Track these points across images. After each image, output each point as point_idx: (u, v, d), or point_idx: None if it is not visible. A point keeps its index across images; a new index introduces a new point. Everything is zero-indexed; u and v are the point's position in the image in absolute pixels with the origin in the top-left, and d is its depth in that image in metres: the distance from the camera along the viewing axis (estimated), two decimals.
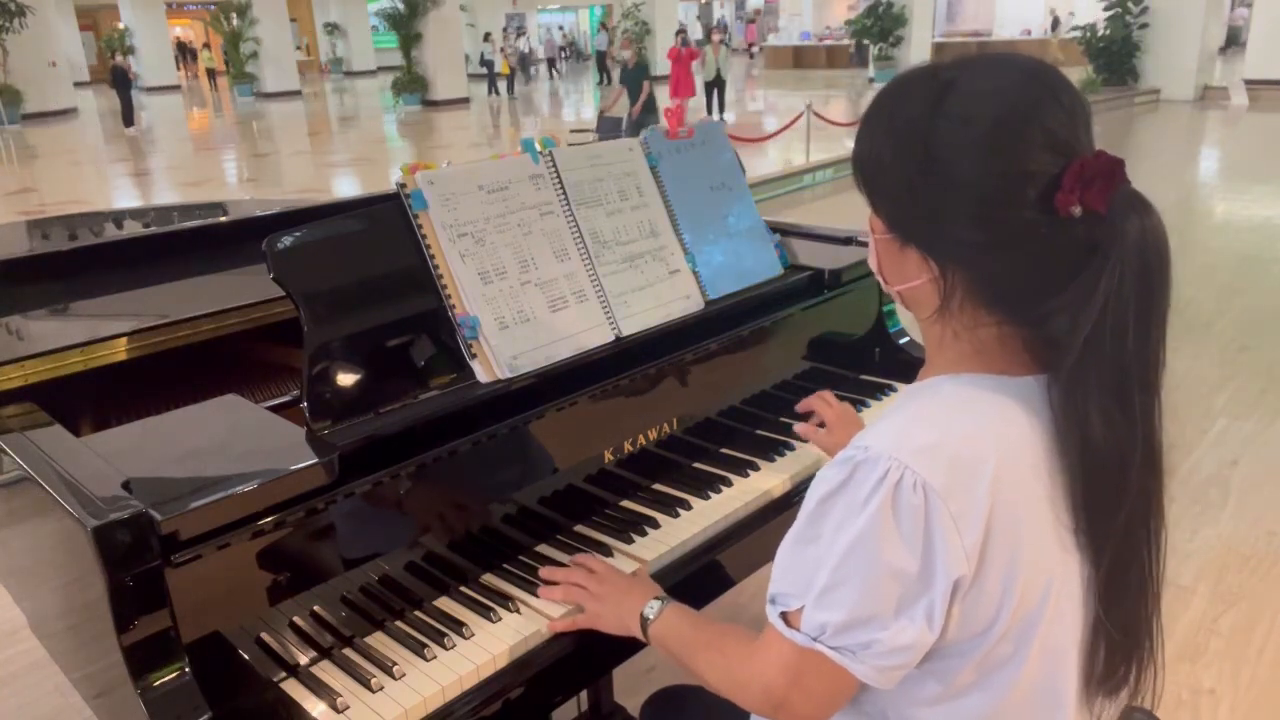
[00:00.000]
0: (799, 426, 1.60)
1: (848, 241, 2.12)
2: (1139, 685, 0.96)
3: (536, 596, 1.33)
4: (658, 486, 1.61)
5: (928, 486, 0.84)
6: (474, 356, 1.43)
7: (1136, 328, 0.83)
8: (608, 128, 10.08)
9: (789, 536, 0.94)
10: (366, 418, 1.33)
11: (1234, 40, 25.24)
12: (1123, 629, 0.92)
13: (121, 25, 31.12)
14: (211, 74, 32.60)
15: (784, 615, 0.93)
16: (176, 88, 30.10)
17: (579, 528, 1.51)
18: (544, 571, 1.35)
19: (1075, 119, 0.87)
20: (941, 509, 0.84)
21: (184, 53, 34.35)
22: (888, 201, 0.94)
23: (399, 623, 1.29)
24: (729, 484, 1.61)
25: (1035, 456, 0.89)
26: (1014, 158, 0.84)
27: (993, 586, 0.87)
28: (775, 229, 1.98)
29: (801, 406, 1.61)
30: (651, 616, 1.17)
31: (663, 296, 1.67)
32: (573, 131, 11.14)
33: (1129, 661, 0.94)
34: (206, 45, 34.31)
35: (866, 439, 0.89)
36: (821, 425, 1.57)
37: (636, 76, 11.08)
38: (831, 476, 0.89)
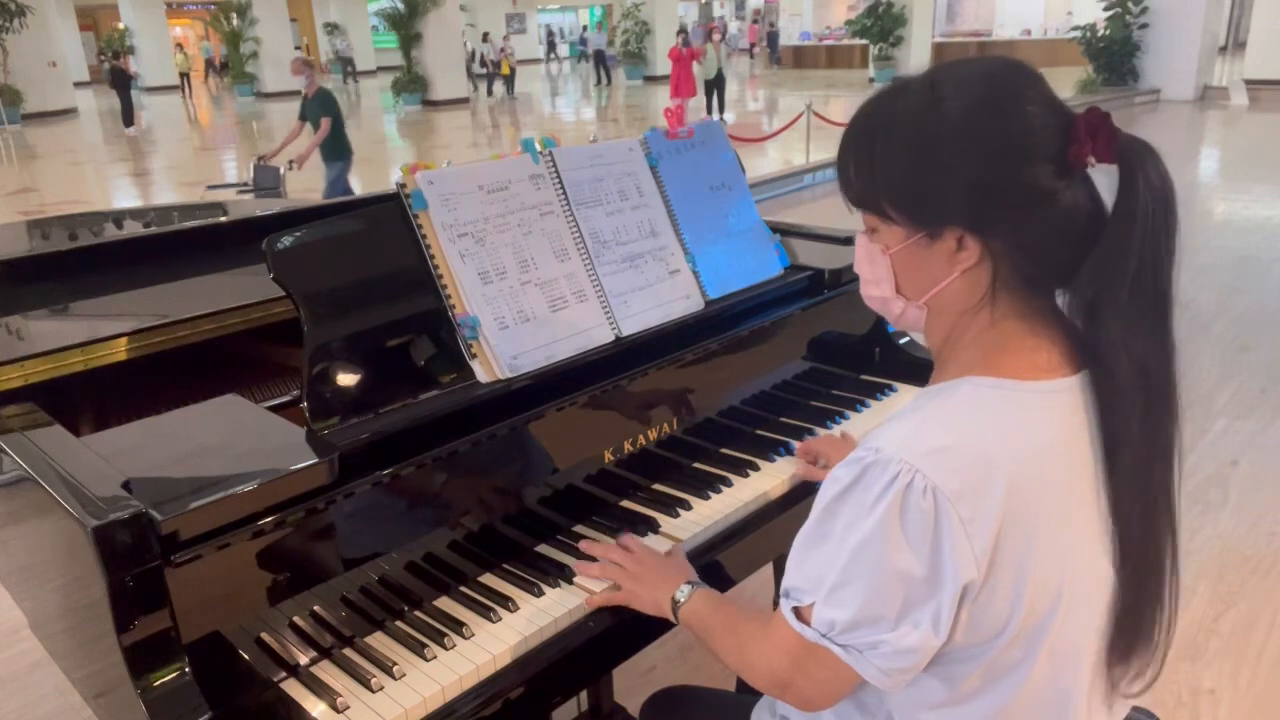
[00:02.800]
0: (802, 469, 1.63)
1: (848, 241, 2.11)
2: (1159, 646, 0.96)
3: (536, 596, 1.33)
4: (658, 486, 1.61)
5: (938, 491, 0.84)
6: (474, 356, 1.43)
7: (1168, 259, 0.89)
8: (266, 180, 6.92)
9: (802, 533, 0.95)
10: (366, 418, 1.33)
11: None
12: (1142, 583, 0.93)
13: (121, 25, 31.11)
14: (186, 78, 28.25)
15: (796, 610, 0.95)
16: (177, 87, 30.09)
17: (578, 528, 1.51)
18: (584, 545, 1.40)
19: (1052, 95, 0.92)
20: (951, 514, 0.84)
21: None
22: (910, 198, 0.94)
23: (399, 623, 1.29)
24: (729, 484, 1.61)
25: (1056, 459, 0.89)
26: (1019, 116, 0.89)
27: (1003, 592, 0.87)
28: (775, 229, 1.97)
29: (801, 452, 1.67)
30: (681, 600, 1.21)
31: (663, 296, 1.67)
32: (210, 188, 8.36)
33: (1149, 620, 0.95)
34: (180, 47, 30.29)
35: (879, 439, 0.89)
36: (826, 465, 1.61)
37: (316, 110, 7.35)
38: (842, 476, 0.90)
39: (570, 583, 1.35)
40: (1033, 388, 0.91)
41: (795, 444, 1.74)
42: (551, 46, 39.53)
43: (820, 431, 1.80)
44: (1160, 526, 0.94)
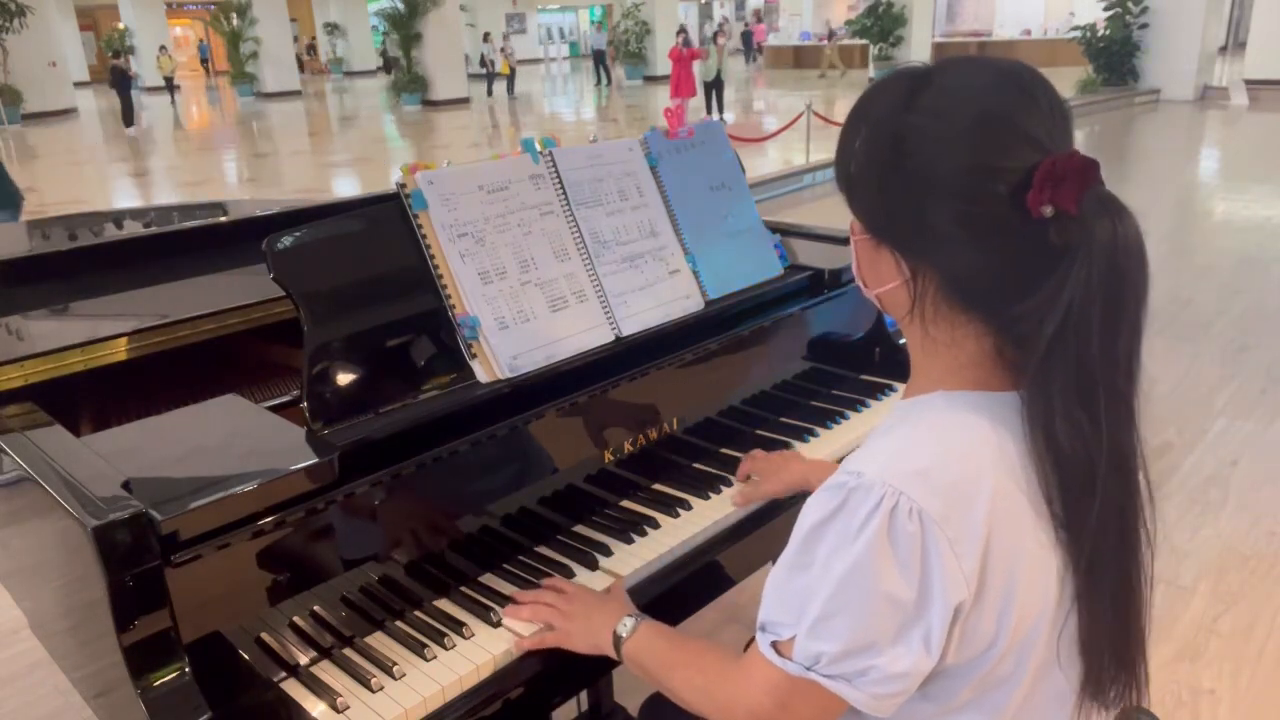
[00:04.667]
0: (740, 497, 1.56)
1: (848, 241, 2.10)
2: (1126, 700, 0.94)
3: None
4: (658, 486, 1.61)
5: (924, 514, 0.82)
6: (474, 356, 1.43)
7: (1102, 332, 0.80)
8: None
9: (779, 563, 0.92)
10: (366, 418, 1.33)
11: None
12: (1107, 641, 0.90)
13: (121, 25, 31.12)
14: (170, 82, 25.11)
15: (775, 644, 0.91)
16: (177, 87, 30.09)
17: (579, 528, 1.51)
18: (513, 597, 1.32)
19: (1053, 119, 0.85)
20: (939, 535, 0.82)
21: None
22: (863, 201, 0.94)
23: (399, 623, 1.29)
24: (729, 484, 1.61)
25: (1029, 472, 0.87)
26: (985, 153, 0.83)
27: (992, 607, 0.85)
28: (775, 229, 1.98)
29: (741, 472, 1.60)
30: (625, 634, 1.15)
31: (663, 296, 1.67)
32: None
33: (1116, 677, 0.92)
34: (163, 48, 26.56)
35: (859, 463, 0.87)
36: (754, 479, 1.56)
37: None
38: (823, 503, 0.87)
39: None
40: (1005, 399, 0.89)
41: (796, 444, 1.74)
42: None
43: (820, 431, 1.80)
44: (1122, 596, 0.90)
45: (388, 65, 29.54)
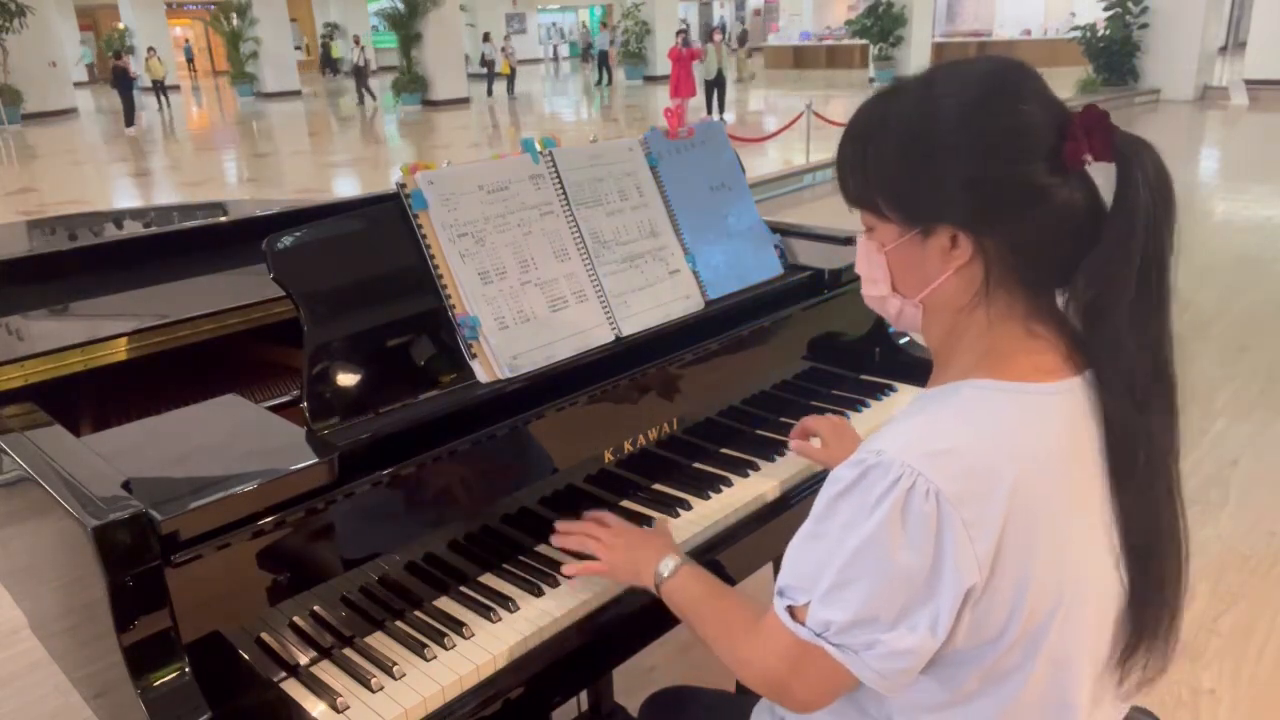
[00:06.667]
0: (795, 443, 1.59)
1: (848, 241, 2.12)
2: (1168, 651, 0.99)
3: (536, 596, 1.33)
4: (658, 486, 1.61)
5: (940, 494, 0.84)
6: (474, 356, 1.43)
7: (1168, 255, 0.89)
8: None
9: (800, 532, 0.95)
10: (366, 418, 1.33)
11: None
12: (1155, 584, 0.95)
13: (121, 25, 31.12)
14: (161, 86, 22.43)
15: (790, 609, 0.94)
16: (176, 87, 30.06)
17: None
18: (560, 525, 1.39)
19: (1048, 94, 0.92)
20: (954, 517, 0.84)
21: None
22: (903, 196, 0.94)
23: (399, 623, 1.29)
24: (729, 484, 1.61)
25: (1059, 462, 0.88)
26: (1013, 114, 0.89)
27: (1004, 595, 0.86)
28: (775, 229, 1.97)
29: (797, 430, 1.61)
30: (666, 574, 1.19)
31: (662, 296, 1.67)
32: None
33: (1158, 620, 0.98)
34: (152, 49, 24.10)
35: (880, 441, 0.89)
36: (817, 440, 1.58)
37: None
38: (844, 476, 0.90)
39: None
40: (1035, 389, 0.91)
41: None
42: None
43: None
44: (1171, 525, 0.95)
45: (330, 64, 27.69)
